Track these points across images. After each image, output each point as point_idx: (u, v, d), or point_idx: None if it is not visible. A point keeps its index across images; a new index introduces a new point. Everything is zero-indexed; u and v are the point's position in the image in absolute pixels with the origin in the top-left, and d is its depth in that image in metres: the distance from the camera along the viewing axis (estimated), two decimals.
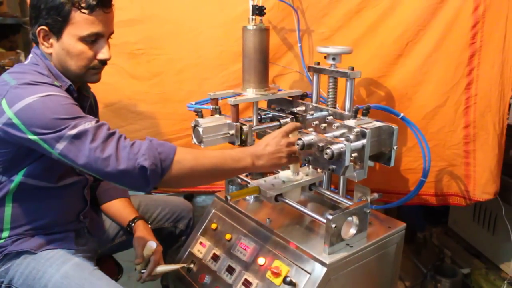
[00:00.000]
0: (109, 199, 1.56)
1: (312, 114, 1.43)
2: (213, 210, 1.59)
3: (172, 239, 1.70)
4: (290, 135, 1.24)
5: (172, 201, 1.71)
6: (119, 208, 1.54)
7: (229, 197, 1.27)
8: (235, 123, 1.36)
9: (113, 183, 1.09)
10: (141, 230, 1.47)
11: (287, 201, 1.34)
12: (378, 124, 1.28)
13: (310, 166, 1.42)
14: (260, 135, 1.51)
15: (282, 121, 1.46)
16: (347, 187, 1.51)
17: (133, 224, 1.49)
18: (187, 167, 1.10)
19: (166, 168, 1.07)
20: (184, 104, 1.48)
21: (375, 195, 1.35)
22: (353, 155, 1.19)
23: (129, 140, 1.09)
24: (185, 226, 1.68)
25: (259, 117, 1.48)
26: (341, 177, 1.49)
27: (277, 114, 1.51)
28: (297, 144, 1.23)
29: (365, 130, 1.20)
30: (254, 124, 1.43)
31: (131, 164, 1.04)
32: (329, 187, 1.56)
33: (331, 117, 1.35)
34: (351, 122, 1.26)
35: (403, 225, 1.41)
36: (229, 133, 1.38)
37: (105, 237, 1.55)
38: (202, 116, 1.38)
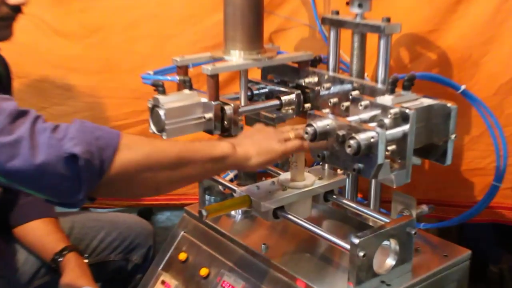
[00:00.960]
0: (25, 219, 1.56)
1: (329, 88, 1.44)
2: (182, 233, 1.59)
3: (122, 278, 1.71)
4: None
5: (122, 221, 1.72)
6: (40, 235, 1.55)
7: (205, 213, 1.27)
8: (213, 103, 1.37)
9: (24, 189, 1.03)
10: (72, 268, 1.48)
11: (291, 217, 1.35)
12: (427, 102, 1.28)
13: (326, 165, 1.43)
14: (251, 119, 1.53)
15: (284, 98, 1.47)
16: (381, 196, 1.53)
17: (60, 259, 1.50)
18: (139, 154, 1.06)
19: (108, 159, 1.01)
20: (136, 74, 1.49)
21: (424, 208, 1.37)
22: (389, 148, 1.20)
23: (51, 122, 1.04)
24: (141, 259, 1.70)
25: (249, 94, 1.49)
26: (372, 181, 1.51)
27: (277, 88, 1.52)
28: (306, 133, 1.24)
29: (407, 111, 1.20)
30: (242, 104, 1.44)
31: (54, 153, 0.97)
32: (355, 197, 1.58)
33: (356, 92, 1.35)
34: (386, 100, 1.26)
35: (467, 253, 1.42)
36: (204, 117, 1.38)
37: (17, 277, 1.55)
38: (164, 93, 1.38)
